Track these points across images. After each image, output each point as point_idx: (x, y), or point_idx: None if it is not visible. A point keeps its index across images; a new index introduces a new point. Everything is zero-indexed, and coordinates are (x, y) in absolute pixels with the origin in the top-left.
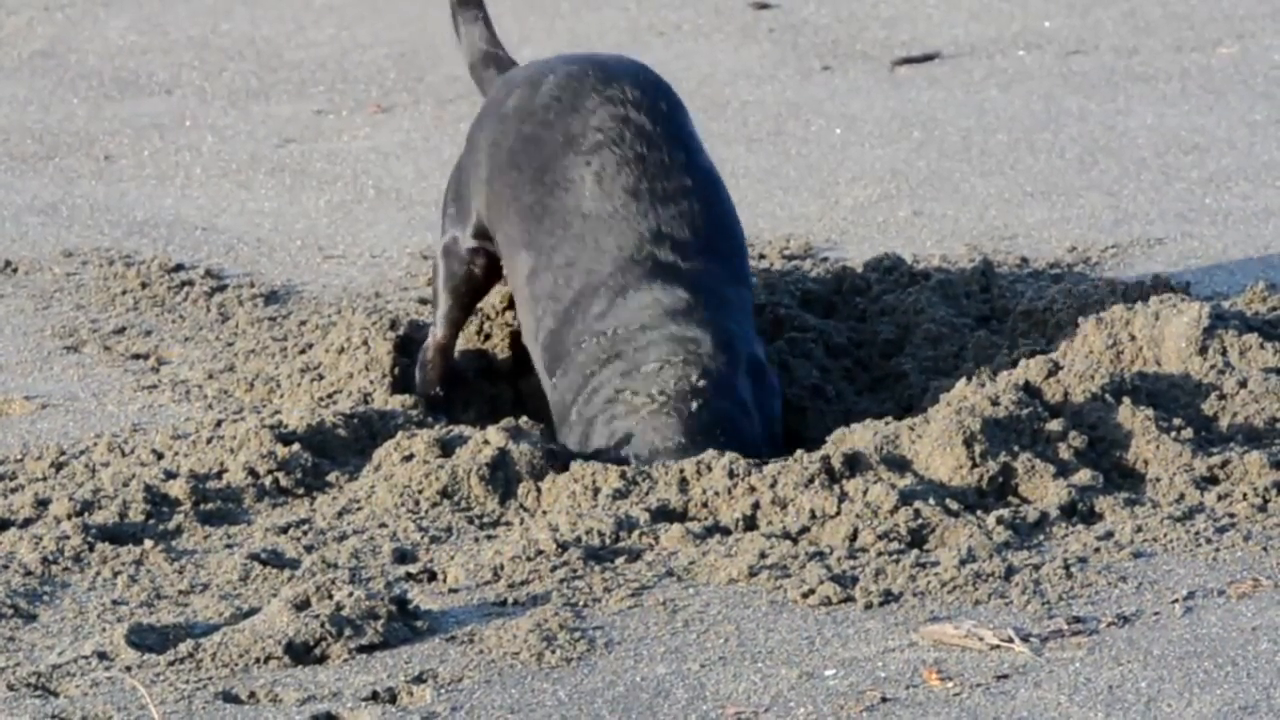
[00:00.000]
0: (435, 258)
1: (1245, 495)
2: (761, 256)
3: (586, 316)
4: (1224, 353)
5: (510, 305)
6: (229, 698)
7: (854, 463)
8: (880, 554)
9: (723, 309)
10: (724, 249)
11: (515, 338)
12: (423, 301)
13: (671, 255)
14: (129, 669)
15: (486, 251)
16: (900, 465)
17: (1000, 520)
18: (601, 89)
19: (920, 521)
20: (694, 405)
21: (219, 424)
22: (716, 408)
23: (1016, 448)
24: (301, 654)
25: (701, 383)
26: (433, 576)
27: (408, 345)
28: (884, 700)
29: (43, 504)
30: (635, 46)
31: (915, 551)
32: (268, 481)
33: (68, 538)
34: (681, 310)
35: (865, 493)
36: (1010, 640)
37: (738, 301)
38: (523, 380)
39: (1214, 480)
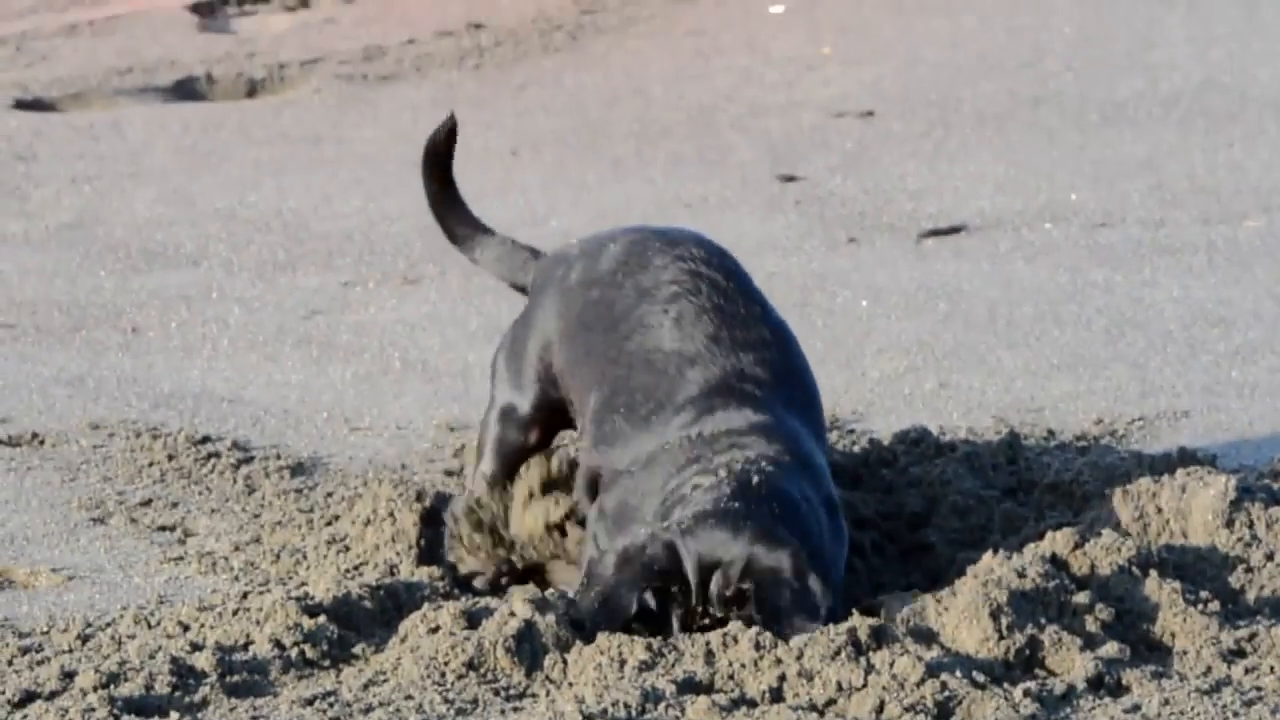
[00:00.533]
0: (486, 421)
1: (1273, 668)
2: None
3: (669, 426)
4: (1251, 525)
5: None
6: None
7: (880, 634)
8: None
9: (807, 442)
10: (802, 399)
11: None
12: (449, 474)
13: (755, 389)
14: None
15: (542, 422)
16: (927, 637)
17: (1027, 693)
18: (668, 249)
19: (947, 694)
20: (754, 479)
21: (245, 596)
22: (779, 489)
23: (1043, 620)
24: None
25: (769, 467)
26: None
27: (434, 517)
28: None
29: (69, 676)
30: (662, 218)
31: None
32: (294, 654)
33: (94, 710)
34: (768, 428)
35: (892, 664)
36: None
37: (817, 440)
38: None
39: (1241, 653)
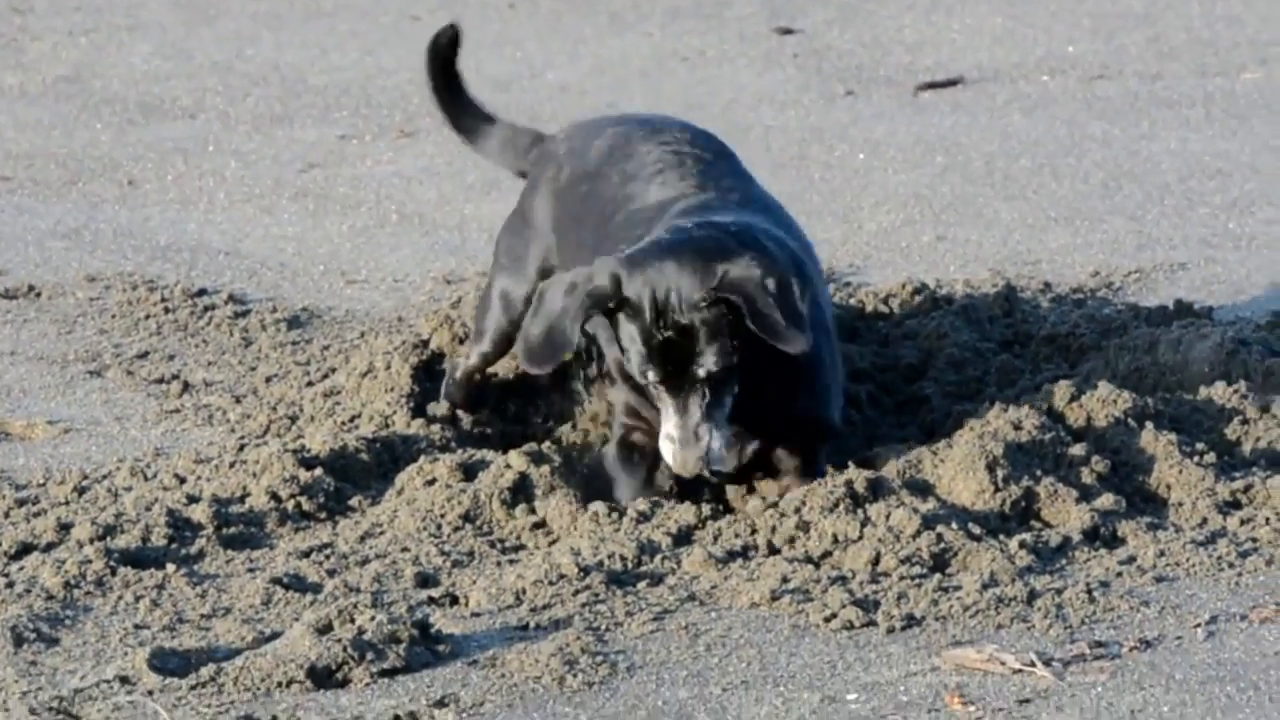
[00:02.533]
0: (486, 297)
1: (1268, 520)
2: None
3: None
4: (1247, 377)
5: None
6: None
7: (877, 487)
8: (902, 578)
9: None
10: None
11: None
12: (447, 324)
13: (737, 203)
14: (151, 693)
15: None
16: (923, 490)
17: (1023, 544)
18: (652, 136)
19: (943, 546)
20: (719, 218)
21: (242, 448)
22: (744, 223)
23: (1039, 472)
24: (323, 678)
25: (742, 218)
26: (455, 600)
27: (430, 369)
28: None
29: (65, 528)
30: (660, 72)
31: (938, 576)
32: (290, 506)
33: (90, 562)
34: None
35: (888, 517)
36: (1032, 664)
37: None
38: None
39: (1237, 505)
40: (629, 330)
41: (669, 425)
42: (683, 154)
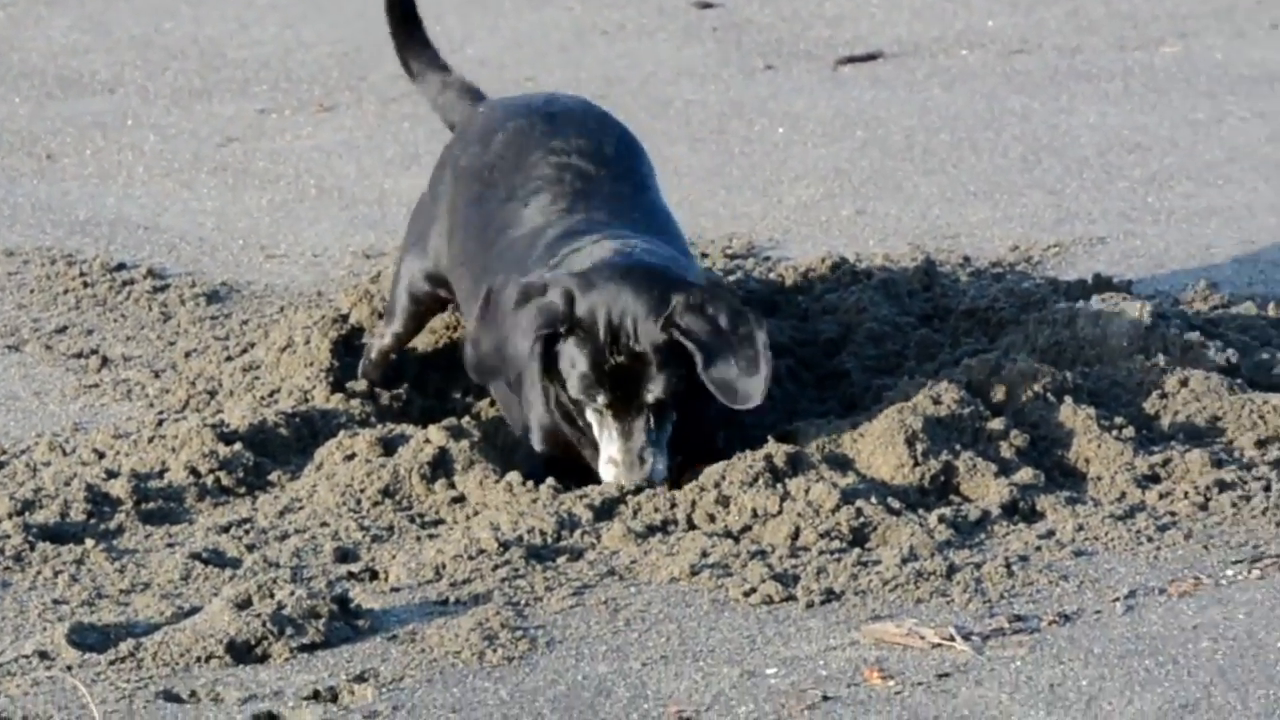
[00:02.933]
0: (396, 275)
1: (1186, 494)
2: (704, 255)
3: (522, 265)
4: (1165, 351)
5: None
6: (170, 697)
7: (796, 461)
8: (822, 553)
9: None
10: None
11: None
12: (366, 299)
13: (610, 228)
14: (70, 668)
15: (445, 284)
16: (842, 464)
17: (942, 519)
18: (546, 140)
19: (862, 520)
20: (634, 246)
21: (161, 423)
22: (654, 249)
23: (958, 447)
24: (243, 653)
25: (637, 242)
26: (374, 575)
27: (349, 343)
28: (825, 699)
29: None
30: (579, 46)
31: (857, 550)
32: (209, 481)
33: (8, 537)
34: (621, 232)
35: (807, 492)
36: (951, 639)
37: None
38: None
39: (1155, 479)
40: (576, 354)
41: (612, 449)
42: (565, 168)
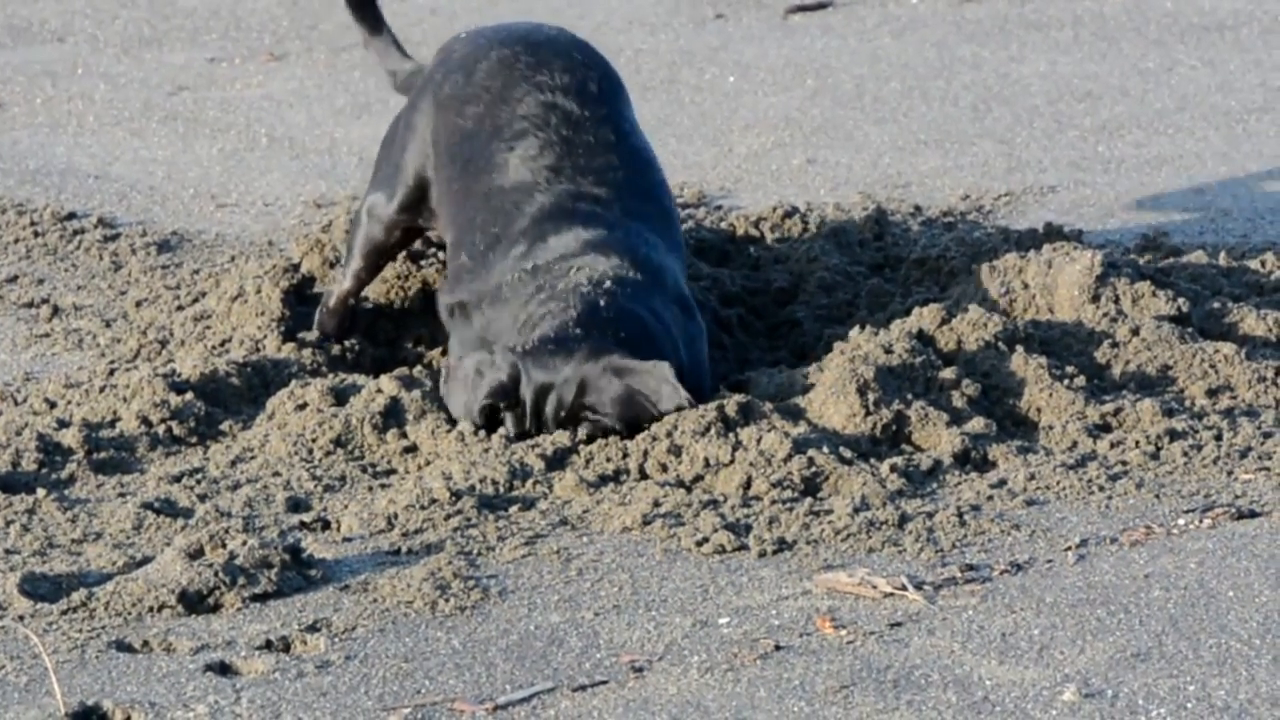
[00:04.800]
0: (357, 214)
1: (1138, 443)
2: None
3: (507, 258)
4: (1116, 300)
5: (411, 258)
6: (122, 647)
7: (748, 411)
8: (774, 502)
9: (649, 247)
10: (652, 213)
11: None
12: (318, 248)
13: (594, 207)
14: (21, 618)
15: (405, 224)
16: (794, 413)
17: (894, 468)
18: (532, 75)
19: (814, 470)
20: (600, 300)
21: (112, 373)
22: (624, 308)
23: (910, 396)
24: (195, 603)
25: (612, 286)
26: (326, 525)
27: (301, 293)
28: (778, 648)
29: None
30: None
31: (809, 500)
32: (161, 430)
33: None
34: (603, 243)
35: (759, 441)
36: (904, 588)
37: (667, 248)
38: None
39: (1107, 428)
40: (510, 422)
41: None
42: (552, 107)
